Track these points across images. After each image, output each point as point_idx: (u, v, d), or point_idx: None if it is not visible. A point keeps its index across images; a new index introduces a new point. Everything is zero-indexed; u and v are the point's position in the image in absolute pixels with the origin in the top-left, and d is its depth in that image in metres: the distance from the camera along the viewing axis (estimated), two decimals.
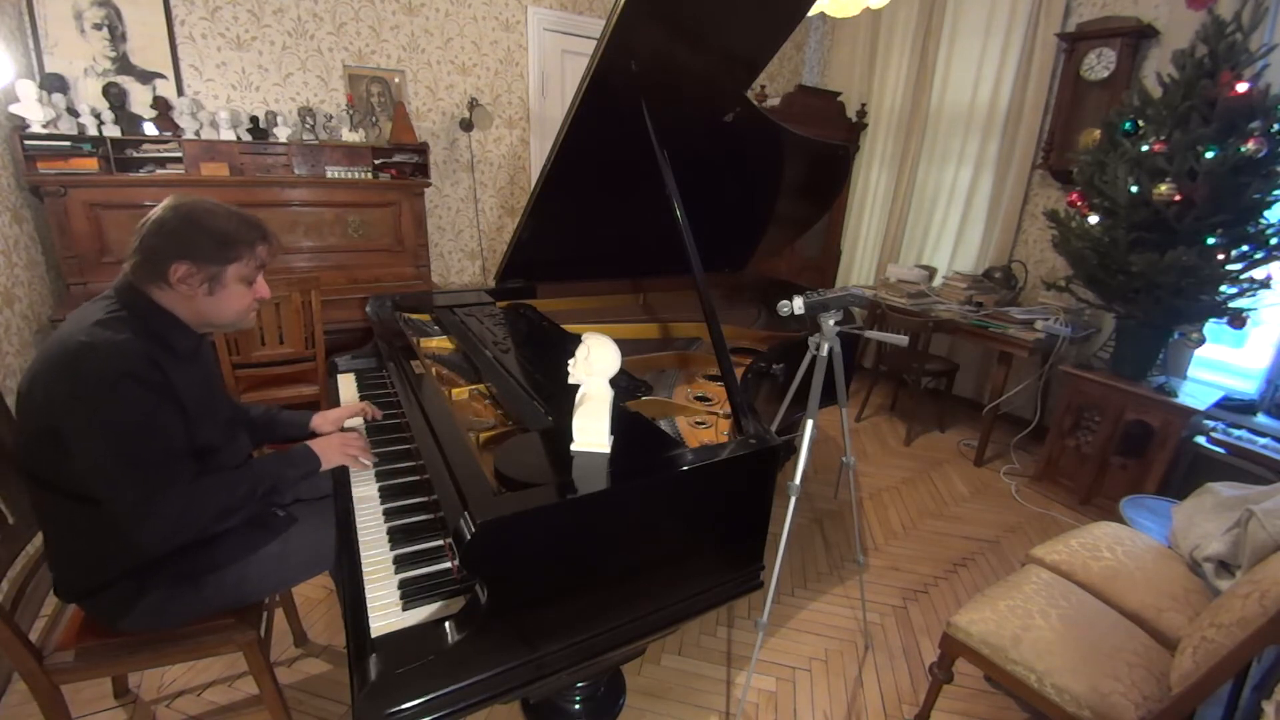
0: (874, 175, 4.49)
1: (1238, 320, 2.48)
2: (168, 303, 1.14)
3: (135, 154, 2.71)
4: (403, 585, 1.08)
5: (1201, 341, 2.68)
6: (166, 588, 1.20)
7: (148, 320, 1.12)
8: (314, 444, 1.36)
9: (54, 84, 2.62)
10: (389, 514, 1.27)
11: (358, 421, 1.64)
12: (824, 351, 1.63)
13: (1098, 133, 2.87)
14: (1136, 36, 3.01)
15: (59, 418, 1.02)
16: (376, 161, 3.17)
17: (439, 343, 1.89)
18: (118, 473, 1.04)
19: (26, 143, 2.43)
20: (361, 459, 1.40)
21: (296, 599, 1.90)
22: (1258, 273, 2.45)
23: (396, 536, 1.20)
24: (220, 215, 1.13)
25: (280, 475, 1.28)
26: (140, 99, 2.85)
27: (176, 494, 1.09)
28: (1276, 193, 2.31)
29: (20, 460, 1.13)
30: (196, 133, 2.84)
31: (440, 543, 1.19)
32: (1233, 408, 2.77)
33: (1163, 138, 2.44)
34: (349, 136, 3.15)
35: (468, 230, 3.90)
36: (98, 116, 2.65)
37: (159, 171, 2.75)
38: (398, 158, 3.22)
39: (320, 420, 1.56)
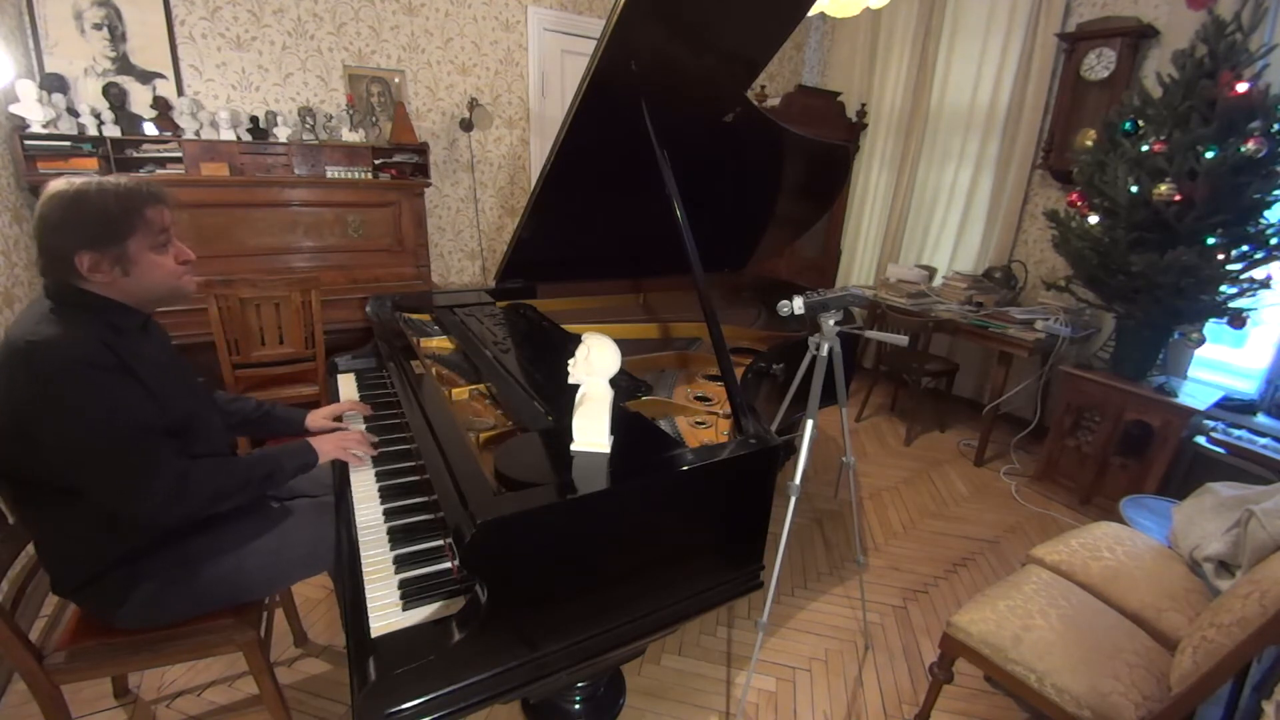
0: (874, 175, 4.49)
1: (1238, 320, 2.48)
2: (98, 290, 1.12)
3: (135, 154, 2.71)
4: (403, 585, 1.08)
5: (1201, 341, 2.68)
6: (161, 578, 1.20)
7: (86, 310, 1.11)
8: (312, 439, 1.39)
9: (54, 84, 2.62)
10: (389, 514, 1.27)
11: (358, 420, 1.65)
12: (824, 351, 1.63)
13: (1094, 133, 2.87)
14: (1136, 36, 3.01)
15: (22, 416, 1.02)
16: (376, 161, 3.17)
17: (439, 343, 1.89)
18: (95, 459, 1.04)
19: (26, 143, 2.43)
20: (359, 453, 1.42)
21: (296, 599, 1.90)
22: (1258, 273, 2.45)
23: (396, 536, 1.20)
24: (94, 194, 1.07)
25: (277, 464, 1.29)
26: (140, 99, 2.85)
27: (163, 471, 1.09)
28: (1276, 193, 2.31)
29: None
30: (196, 133, 2.84)
31: (440, 543, 1.19)
32: (1233, 408, 2.77)
33: (1163, 138, 2.44)
34: (349, 136, 3.15)
35: (468, 230, 3.90)
36: (98, 116, 2.65)
37: (159, 171, 2.75)
38: (398, 158, 3.22)
39: (313, 418, 1.58)
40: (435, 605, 1.04)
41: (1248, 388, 2.88)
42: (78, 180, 1.09)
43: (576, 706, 1.64)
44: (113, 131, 2.66)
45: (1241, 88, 2.23)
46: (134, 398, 1.09)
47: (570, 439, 1.13)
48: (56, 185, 1.08)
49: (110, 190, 1.09)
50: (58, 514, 1.13)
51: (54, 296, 1.11)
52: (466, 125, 3.55)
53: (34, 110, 2.44)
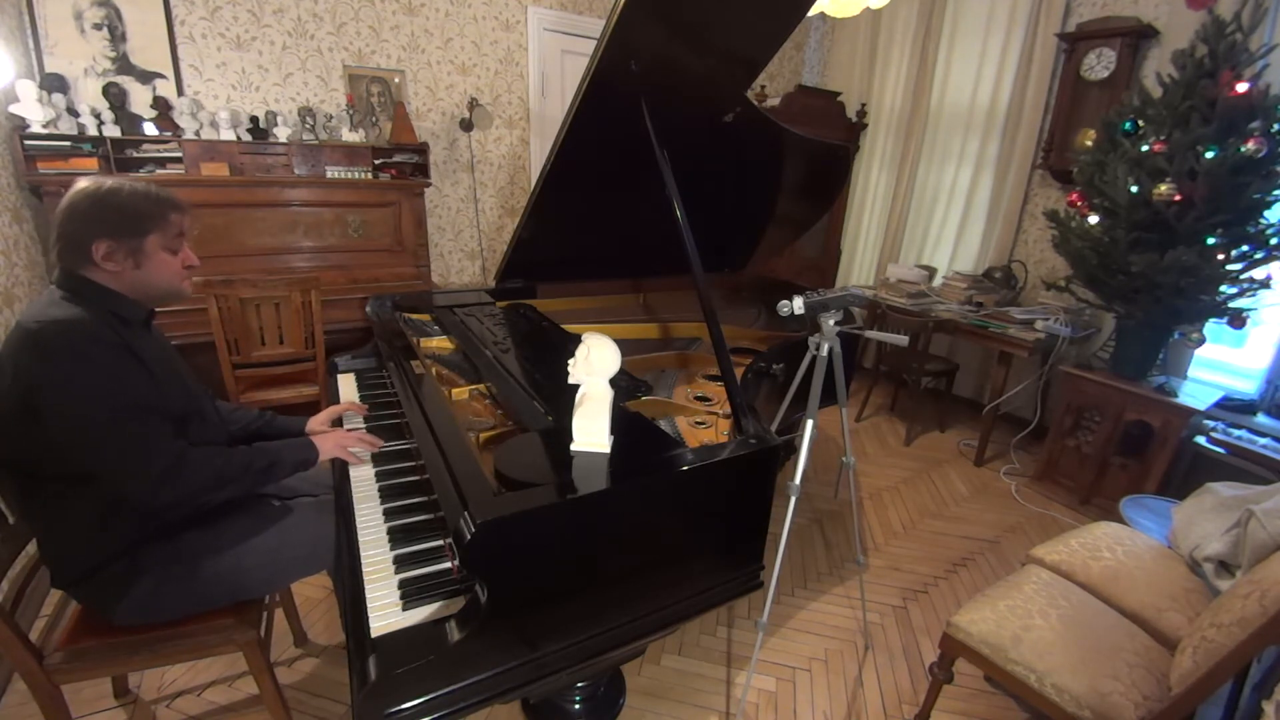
0: (874, 175, 4.49)
1: (1238, 320, 2.48)
2: (104, 281, 1.17)
3: (135, 154, 2.72)
4: (403, 585, 1.08)
5: (1201, 341, 2.68)
6: (161, 573, 1.21)
7: (94, 299, 1.15)
8: (314, 436, 1.42)
9: (54, 84, 2.62)
10: (389, 514, 1.27)
11: (356, 420, 1.65)
12: (824, 351, 1.63)
13: (1094, 133, 2.87)
14: (1136, 36, 3.01)
15: (31, 394, 1.05)
16: (376, 161, 3.17)
17: (439, 343, 1.89)
18: (95, 432, 1.07)
19: (26, 143, 2.43)
20: (359, 452, 1.44)
21: (296, 599, 1.90)
22: (1258, 273, 2.44)
23: (396, 536, 1.21)
24: (126, 192, 1.16)
25: (276, 457, 1.30)
26: (140, 99, 2.85)
27: (161, 449, 1.12)
28: (1276, 193, 2.30)
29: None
30: (196, 133, 2.84)
31: (440, 543, 1.19)
32: (1233, 408, 2.77)
33: (1163, 138, 2.43)
34: (349, 136, 3.15)
35: (468, 230, 3.90)
36: (98, 116, 2.65)
37: (159, 171, 2.75)
38: (398, 158, 3.22)
39: (313, 425, 1.59)
40: (435, 605, 1.04)
41: (1248, 388, 2.88)
42: (109, 180, 1.17)
43: (576, 706, 1.64)
44: (113, 131, 2.66)
45: (1241, 88, 2.23)
46: (137, 377, 1.13)
47: (570, 439, 1.13)
48: (87, 181, 1.15)
49: (141, 191, 1.18)
50: (59, 504, 1.15)
51: (65, 285, 1.16)
52: (466, 125, 3.55)
53: (34, 110, 2.44)
